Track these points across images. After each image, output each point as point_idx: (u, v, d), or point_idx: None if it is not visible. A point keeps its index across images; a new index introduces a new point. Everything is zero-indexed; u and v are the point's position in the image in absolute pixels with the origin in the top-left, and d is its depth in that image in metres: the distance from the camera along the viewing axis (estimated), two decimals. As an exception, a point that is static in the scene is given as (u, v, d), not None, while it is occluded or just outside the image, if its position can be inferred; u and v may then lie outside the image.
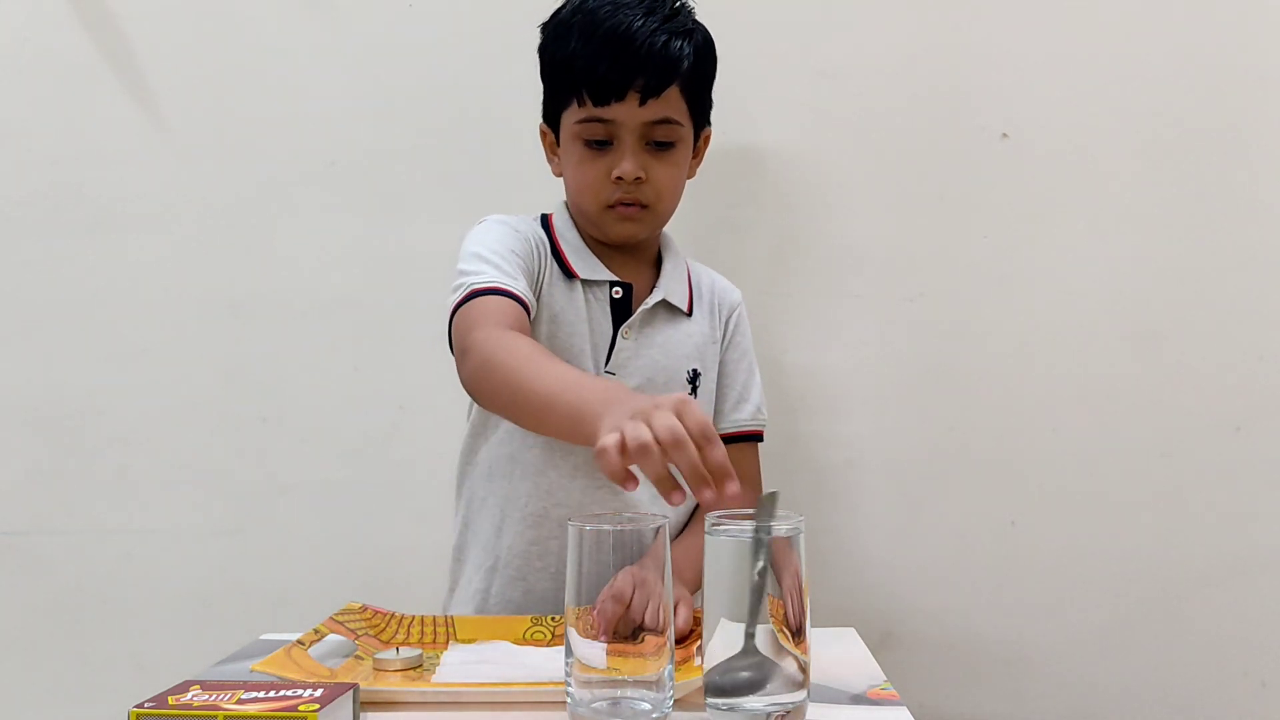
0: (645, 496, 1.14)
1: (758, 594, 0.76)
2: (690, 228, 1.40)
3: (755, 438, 1.24)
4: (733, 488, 0.76)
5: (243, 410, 1.45)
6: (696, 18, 1.17)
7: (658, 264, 1.21)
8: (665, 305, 1.18)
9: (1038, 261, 1.41)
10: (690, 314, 1.20)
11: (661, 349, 1.16)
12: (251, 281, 1.44)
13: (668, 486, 0.76)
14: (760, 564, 0.76)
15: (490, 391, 1.00)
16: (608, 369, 1.14)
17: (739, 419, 1.23)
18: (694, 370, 1.18)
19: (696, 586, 0.86)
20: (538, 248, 1.14)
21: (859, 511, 1.43)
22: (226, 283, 1.45)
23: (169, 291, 1.45)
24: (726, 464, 0.76)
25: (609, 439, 0.76)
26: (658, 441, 0.75)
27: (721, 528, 0.79)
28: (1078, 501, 1.41)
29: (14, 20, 1.44)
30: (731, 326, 1.24)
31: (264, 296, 1.44)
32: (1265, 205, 1.40)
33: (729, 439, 1.17)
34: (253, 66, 1.44)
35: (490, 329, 1.00)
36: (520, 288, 1.07)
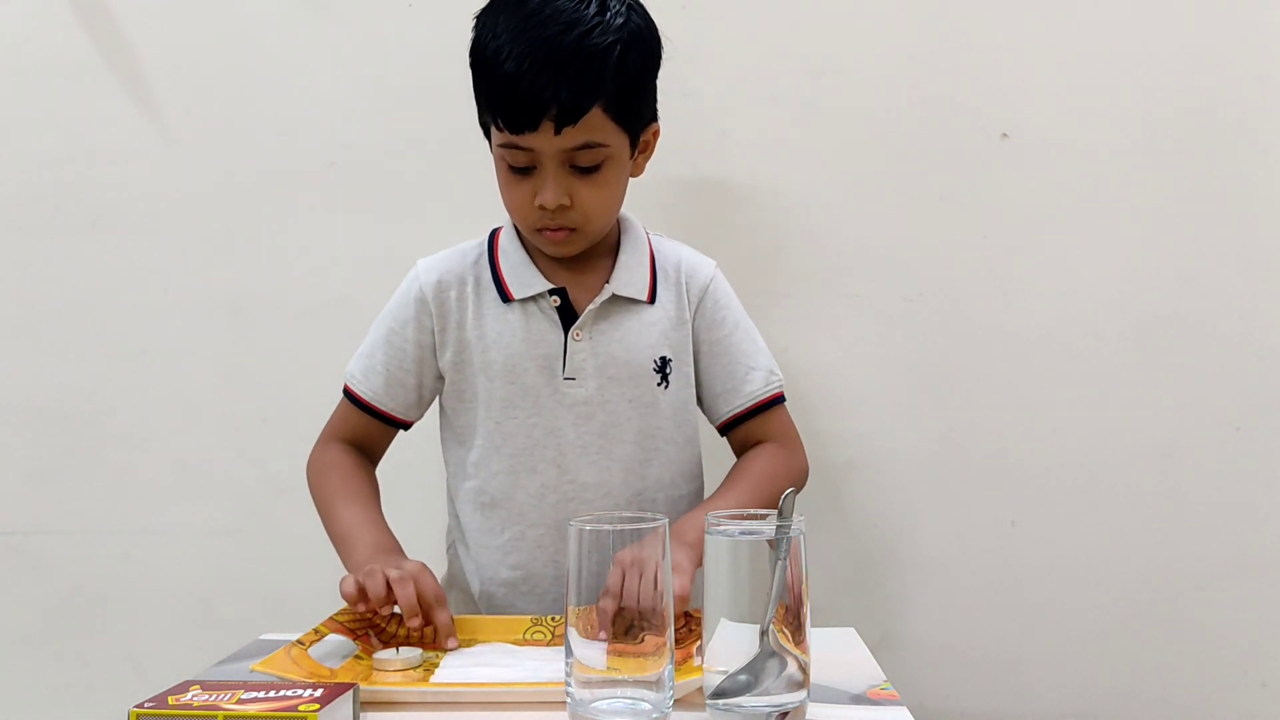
0: (624, 497, 1.15)
1: (773, 592, 0.76)
2: (689, 227, 1.40)
3: (777, 401, 1.20)
4: (451, 643, 0.96)
5: (243, 410, 1.45)
6: (627, 11, 1.08)
7: (616, 254, 1.18)
8: (620, 299, 1.15)
9: (1038, 261, 1.41)
10: (653, 301, 1.17)
11: (621, 344, 1.14)
12: (251, 281, 1.45)
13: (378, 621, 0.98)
14: (780, 562, 0.76)
15: (314, 500, 1.17)
16: (565, 375, 1.13)
17: (752, 390, 1.19)
18: (662, 358, 1.16)
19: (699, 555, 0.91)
20: (430, 317, 1.16)
21: (859, 511, 1.43)
22: (226, 283, 1.45)
23: (169, 291, 1.45)
24: (449, 626, 0.97)
25: (348, 582, 0.97)
26: (388, 582, 0.96)
27: (721, 528, 0.79)
28: (1078, 501, 1.41)
29: (14, 20, 1.44)
30: (709, 305, 1.19)
31: (264, 296, 1.44)
32: (1265, 205, 1.40)
33: (749, 413, 1.19)
34: (253, 66, 1.44)
35: (328, 446, 1.19)
36: (370, 388, 1.17)
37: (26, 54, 1.45)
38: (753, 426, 1.20)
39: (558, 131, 1.04)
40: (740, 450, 1.22)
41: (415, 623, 0.96)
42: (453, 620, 0.99)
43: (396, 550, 1.08)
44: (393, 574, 0.97)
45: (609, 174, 1.10)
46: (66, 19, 1.44)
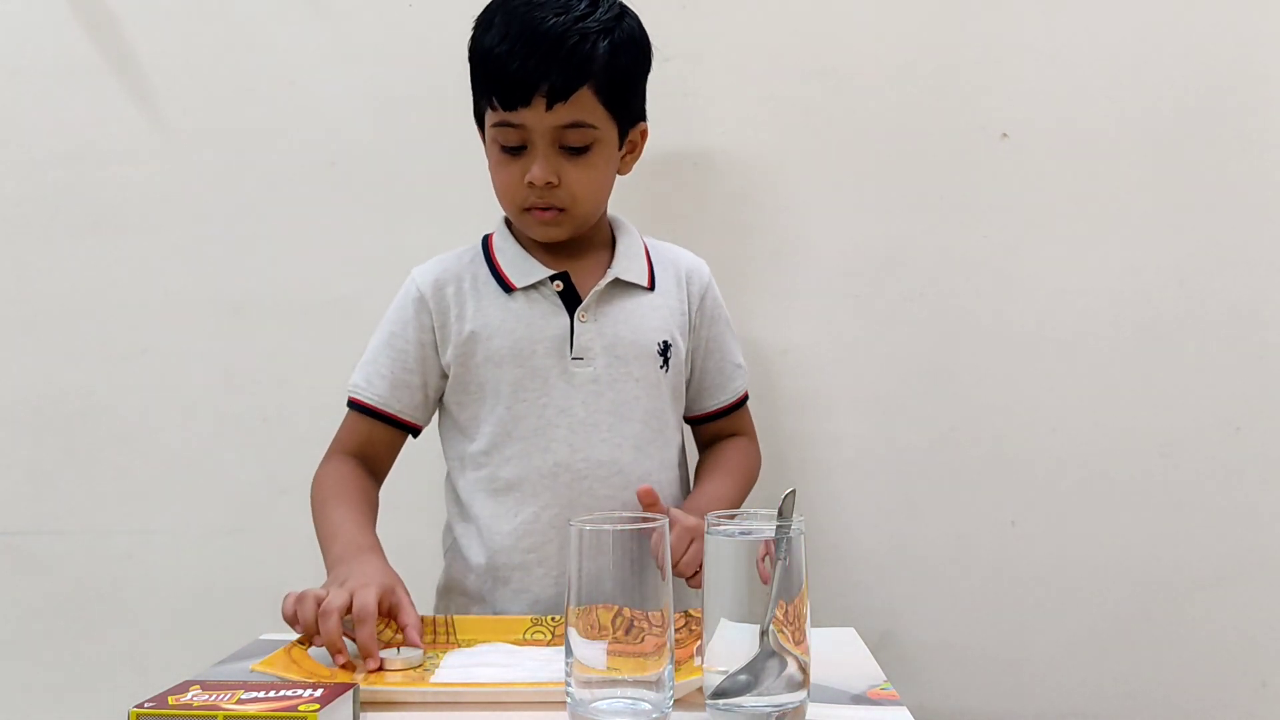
0: (635, 476, 1.16)
1: (773, 592, 0.76)
2: (689, 227, 1.40)
3: (748, 397, 1.30)
4: (371, 664, 0.91)
5: (243, 410, 1.45)
6: (620, 10, 1.14)
7: (613, 247, 1.22)
8: (622, 284, 1.18)
9: (1038, 261, 1.41)
10: (652, 288, 1.20)
11: (626, 325, 1.17)
12: (251, 281, 1.45)
13: (332, 649, 0.93)
14: (780, 562, 0.76)
15: (312, 515, 1.16)
16: (573, 355, 1.15)
17: (736, 388, 1.27)
18: (664, 342, 1.19)
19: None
20: (429, 315, 1.17)
21: (859, 511, 1.43)
22: (226, 283, 1.45)
23: (169, 291, 1.45)
24: (370, 644, 0.92)
25: (286, 604, 0.96)
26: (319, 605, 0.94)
27: (721, 528, 0.79)
28: (1078, 501, 1.41)
29: (14, 20, 1.44)
30: (710, 303, 1.24)
31: (264, 296, 1.44)
32: (1265, 205, 1.40)
33: (730, 408, 1.27)
34: (253, 66, 1.44)
35: (329, 461, 1.19)
36: (375, 392, 1.18)
37: (26, 54, 1.45)
38: (728, 421, 1.28)
39: (549, 108, 1.09)
40: (708, 440, 1.29)
41: (340, 660, 0.92)
42: (374, 642, 0.93)
43: (370, 549, 1.08)
44: (328, 602, 0.94)
45: (597, 157, 1.14)
46: (66, 19, 1.44)
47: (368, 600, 0.94)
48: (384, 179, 1.44)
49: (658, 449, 1.19)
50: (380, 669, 0.92)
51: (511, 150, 1.13)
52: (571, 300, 1.17)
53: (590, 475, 1.15)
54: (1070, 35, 1.40)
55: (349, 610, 0.94)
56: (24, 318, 1.46)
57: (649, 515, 0.79)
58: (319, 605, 0.94)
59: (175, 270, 1.45)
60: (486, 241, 1.22)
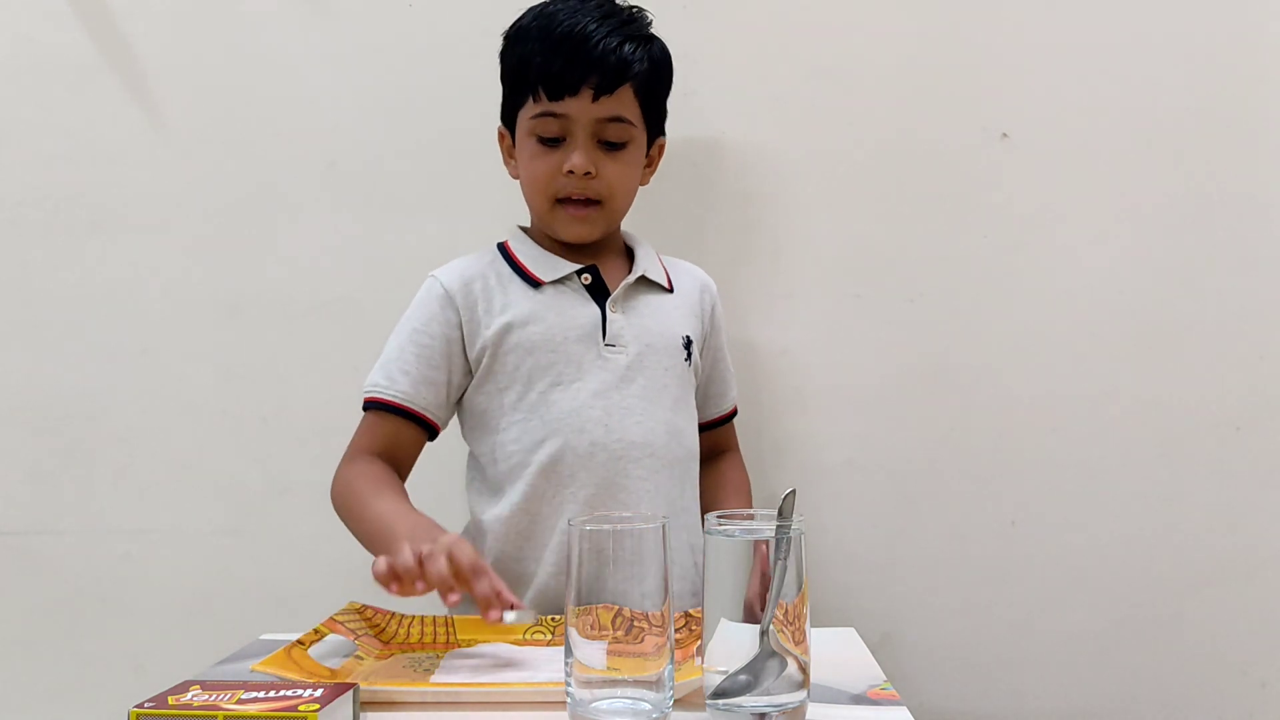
0: (666, 461, 1.18)
1: (773, 592, 0.76)
2: (689, 227, 1.40)
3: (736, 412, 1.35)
4: (500, 615, 0.93)
5: (243, 410, 1.45)
6: (653, 31, 1.20)
7: (630, 256, 1.25)
8: (646, 281, 1.22)
9: (1038, 261, 1.41)
10: (671, 290, 1.24)
11: (653, 318, 1.21)
12: (251, 281, 1.44)
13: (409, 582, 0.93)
14: (780, 562, 0.76)
15: (343, 517, 1.15)
16: (606, 342, 1.17)
17: (732, 398, 1.33)
18: (687, 337, 1.22)
19: None
20: (456, 311, 1.17)
21: (859, 511, 1.43)
22: (226, 283, 1.45)
23: (169, 292, 1.45)
24: (488, 595, 0.93)
25: (379, 562, 0.93)
26: (420, 564, 0.93)
27: (721, 528, 0.79)
28: (1078, 501, 1.41)
29: (14, 20, 1.44)
30: (718, 315, 1.29)
31: (264, 296, 1.44)
32: (1265, 205, 1.40)
33: (723, 419, 1.33)
34: (253, 66, 1.44)
35: (353, 462, 1.17)
36: (399, 389, 1.16)
37: (26, 54, 1.44)
38: (720, 433, 1.33)
39: (595, 99, 1.13)
40: (703, 453, 1.27)
41: (454, 598, 0.92)
42: (494, 591, 0.94)
43: (438, 528, 1.05)
44: (424, 549, 0.93)
45: (631, 156, 1.18)
46: (66, 19, 1.44)
47: (474, 554, 0.94)
48: (383, 179, 1.44)
49: (685, 438, 1.21)
50: (500, 621, 0.92)
51: (550, 142, 1.16)
52: (599, 293, 1.19)
53: (625, 456, 1.15)
54: (1070, 35, 1.40)
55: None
56: (24, 318, 1.46)
57: (648, 515, 0.79)
58: (417, 557, 0.92)
59: (175, 270, 1.45)
60: (503, 246, 1.23)
